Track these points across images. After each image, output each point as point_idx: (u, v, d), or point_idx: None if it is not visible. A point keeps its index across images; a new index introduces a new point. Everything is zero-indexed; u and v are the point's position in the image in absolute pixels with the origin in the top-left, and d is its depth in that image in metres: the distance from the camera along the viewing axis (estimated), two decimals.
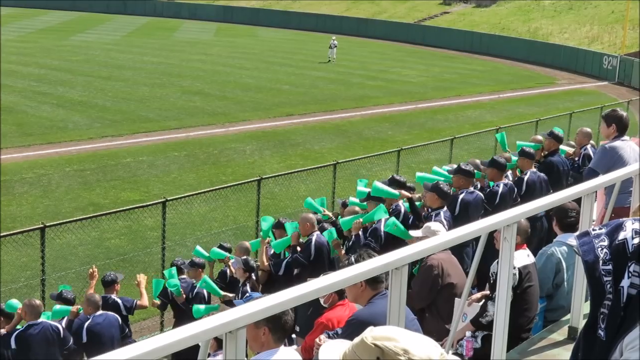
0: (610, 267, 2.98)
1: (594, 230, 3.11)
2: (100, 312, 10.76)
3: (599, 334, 3.01)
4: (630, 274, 2.95)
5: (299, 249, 10.91)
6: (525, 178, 11.68)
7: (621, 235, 3.01)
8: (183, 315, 11.70)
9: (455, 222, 9.67)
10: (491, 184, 11.57)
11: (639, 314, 2.91)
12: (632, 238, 2.99)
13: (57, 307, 11.07)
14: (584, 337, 3.10)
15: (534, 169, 11.98)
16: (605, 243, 3.03)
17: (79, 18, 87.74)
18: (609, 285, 2.98)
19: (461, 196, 10.69)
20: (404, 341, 2.51)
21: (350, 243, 10.52)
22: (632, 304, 2.93)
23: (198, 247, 13.05)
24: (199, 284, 11.74)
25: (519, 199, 10.97)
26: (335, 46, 58.20)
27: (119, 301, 11.60)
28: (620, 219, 3.15)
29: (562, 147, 13.18)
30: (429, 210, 10.30)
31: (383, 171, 22.50)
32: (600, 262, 3.00)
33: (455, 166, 12.00)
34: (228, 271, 12.19)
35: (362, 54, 64.17)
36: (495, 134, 14.84)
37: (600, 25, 67.19)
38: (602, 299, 3.00)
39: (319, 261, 10.53)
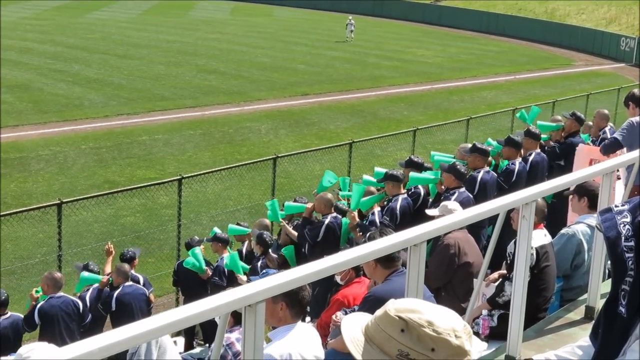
0: (632, 243, 2.95)
1: (616, 206, 3.09)
2: (129, 282, 10.93)
3: (620, 310, 2.98)
4: None
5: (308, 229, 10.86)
6: (530, 159, 11.63)
7: None
8: (193, 295, 11.77)
9: (474, 201, 9.64)
10: (505, 162, 11.56)
11: None
12: None
13: (86, 274, 11.21)
14: (604, 313, 3.08)
15: (538, 150, 11.93)
16: (628, 219, 3.00)
17: None
18: (630, 262, 2.94)
19: (480, 175, 10.67)
20: (427, 313, 2.50)
21: (364, 225, 10.51)
22: None
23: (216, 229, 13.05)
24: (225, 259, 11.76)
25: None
26: (353, 25, 57.97)
27: (140, 277, 11.75)
28: None
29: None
30: (446, 189, 10.28)
31: (398, 151, 22.50)
32: (623, 238, 2.97)
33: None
34: (244, 249, 12.23)
35: (377, 34, 63.93)
36: (517, 114, 14.71)
37: (618, 6, 66.63)
38: (623, 276, 2.96)
39: (326, 244, 10.42)
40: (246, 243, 12.35)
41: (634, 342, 2.91)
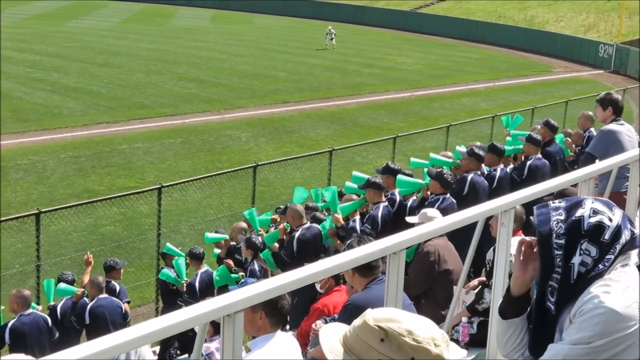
0: (562, 241, 3.03)
1: (553, 202, 3.14)
2: (104, 295, 10.81)
3: (548, 306, 3.07)
4: (582, 252, 3.00)
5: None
6: (529, 163, 11.68)
7: (579, 212, 3.05)
8: (173, 304, 11.72)
9: (464, 202, 9.60)
10: (488, 169, 11.60)
11: (583, 287, 2.97)
12: (589, 217, 3.03)
13: (63, 286, 11.13)
14: (534, 309, 3.14)
15: (539, 155, 11.97)
16: (562, 217, 3.07)
17: (74, 4, 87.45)
18: (558, 259, 3.02)
19: (469, 177, 10.69)
20: (407, 322, 2.50)
21: (344, 232, 10.50)
22: (580, 281, 2.98)
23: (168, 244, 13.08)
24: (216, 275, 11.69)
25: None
26: (333, 34, 58.00)
27: (117, 286, 11.65)
28: (582, 197, 3.20)
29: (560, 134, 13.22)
30: (430, 194, 10.32)
31: (379, 159, 22.50)
32: (554, 235, 3.04)
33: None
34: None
35: (358, 41, 64.06)
36: (501, 118, 14.81)
37: (596, 13, 67.10)
38: (550, 272, 3.04)
39: (304, 257, 10.32)
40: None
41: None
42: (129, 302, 11.74)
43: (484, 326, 5.82)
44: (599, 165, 6.02)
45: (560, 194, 7.06)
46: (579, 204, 3.09)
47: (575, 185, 5.79)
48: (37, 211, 13.39)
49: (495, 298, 5.06)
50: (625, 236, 3.04)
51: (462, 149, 11.99)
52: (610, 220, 3.03)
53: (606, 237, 3.00)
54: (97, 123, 30.28)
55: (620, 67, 52.48)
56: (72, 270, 14.21)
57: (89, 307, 10.65)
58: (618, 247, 3.01)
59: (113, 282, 11.64)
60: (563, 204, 3.11)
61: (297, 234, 10.53)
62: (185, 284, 11.94)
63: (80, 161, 24.79)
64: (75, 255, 15.97)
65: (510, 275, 4.90)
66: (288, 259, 10.38)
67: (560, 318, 3.05)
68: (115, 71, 43.20)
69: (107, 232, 18.51)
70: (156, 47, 54.45)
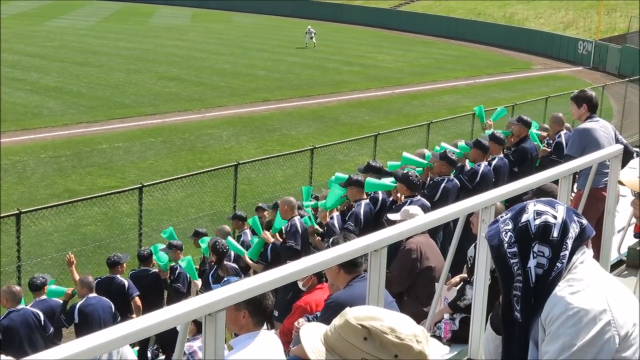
0: (515, 249, 3.10)
1: (502, 216, 3.22)
2: (93, 294, 10.78)
3: (516, 315, 3.11)
4: (535, 254, 3.06)
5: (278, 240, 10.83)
6: (493, 163, 11.75)
7: (524, 218, 3.12)
8: (149, 303, 11.72)
9: (433, 208, 9.67)
10: (471, 164, 11.66)
11: (547, 290, 3.02)
12: (534, 219, 3.10)
13: (53, 287, 11.13)
14: (502, 321, 3.19)
15: (501, 155, 12.05)
16: (510, 227, 3.15)
17: (53, 3, 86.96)
18: (516, 267, 3.09)
19: (443, 184, 10.76)
20: (388, 320, 2.52)
21: (325, 229, 10.54)
22: (540, 282, 3.04)
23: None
24: (180, 263, 11.73)
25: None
26: (313, 33, 57.90)
27: (125, 281, 11.64)
28: (523, 202, 3.25)
29: (533, 131, 13.26)
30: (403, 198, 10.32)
31: (360, 156, 22.53)
32: (505, 245, 3.11)
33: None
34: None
35: (338, 39, 64.07)
36: (474, 108, 14.90)
37: (575, 10, 67.43)
38: (511, 282, 3.10)
39: (305, 245, 10.51)
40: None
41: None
42: (139, 296, 11.72)
43: (466, 323, 5.84)
44: (578, 162, 6.05)
45: (540, 190, 7.12)
46: (522, 210, 3.16)
47: (555, 182, 5.82)
48: (17, 211, 13.33)
49: (476, 294, 5.08)
50: (574, 229, 3.10)
51: (447, 146, 12.05)
52: (555, 217, 3.10)
53: (554, 234, 3.07)
54: (77, 123, 30.14)
55: (600, 64, 52.75)
56: (53, 270, 14.18)
57: (78, 305, 10.64)
58: (569, 242, 3.07)
59: (119, 277, 11.64)
60: (509, 215, 3.19)
61: (298, 223, 10.65)
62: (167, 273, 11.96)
63: (61, 161, 24.68)
64: (57, 256, 15.90)
65: (491, 272, 4.93)
66: (300, 247, 10.45)
67: (530, 326, 3.09)
68: (95, 70, 43.02)
69: (88, 232, 18.44)
70: (136, 46, 54.25)
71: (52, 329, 10.51)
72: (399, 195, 10.37)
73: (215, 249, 11.04)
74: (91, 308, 10.64)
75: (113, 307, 11.02)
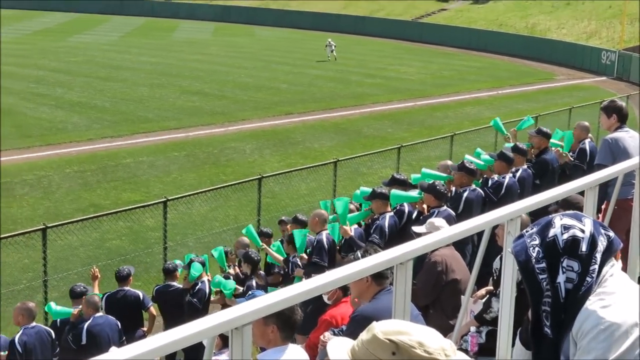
0: (544, 264, 3.07)
1: (527, 231, 3.19)
2: (100, 313, 10.76)
3: (546, 331, 3.09)
4: (564, 269, 3.03)
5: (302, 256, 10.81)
6: (517, 175, 11.70)
7: (551, 233, 3.10)
8: (174, 319, 11.72)
9: (458, 219, 9.65)
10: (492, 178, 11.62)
11: (578, 304, 3.00)
12: (562, 234, 3.07)
13: (58, 308, 11.09)
14: (532, 336, 3.17)
15: (525, 166, 11.99)
16: (537, 242, 3.12)
17: (76, 19, 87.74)
18: (545, 283, 3.06)
19: (465, 194, 10.72)
20: (416, 334, 2.51)
21: (344, 242, 10.52)
22: (570, 297, 3.01)
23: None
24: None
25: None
26: (333, 46, 57.91)
27: (139, 293, 11.70)
28: (549, 216, 3.22)
29: (554, 141, 13.20)
30: (429, 209, 10.31)
31: (383, 169, 22.53)
32: (533, 260, 3.09)
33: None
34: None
35: (360, 51, 64.13)
36: (491, 122, 14.87)
37: (598, 20, 67.14)
38: (541, 297, 3.07)
39: (332, 259, 10.46)
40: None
41: None
42: (152, 306, 11.78)
43: (493, 335, 5.80)
44: (604, 172, 6.01)
45: (566, 202, 7.07)
46: (549, 224, 3.13)
47: (581, 193, 5.78)
48: (43, 226, 13.42)
49: (503, 307, 5.05)
50: (602, 242, 3.07)
51: (484, 154, 12.04)
52: (583, 231, 3.07)
53: (583, 249, 3.04)
54: (102, 137, 30.32)
55: (623, 74, 52.45)
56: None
57: (86, 325, 10.53)
58: (598, 255, 3.04)
59: (130, 289, 11.66)
60: (535, 229, 3.17)
61: (324, 239, 10.61)
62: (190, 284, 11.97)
63: (86, 176, 24.83)
64: (82, 270, 15.97)
65: (518, 284, 4.90)
66: (325, 263, 10.39)
67: (561, 341, 3.06)
68: (119, 85, 43.29)
69: (113, 246, 18.52)
70: (159, 60, 54.56)
71: (58, 349, 10.52)
72: (424, 206, 10.36)
73: (249, 258, 11.07)
74: (99, 328, 10.57)
75: (120, 325, 10.98)
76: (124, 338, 11.08)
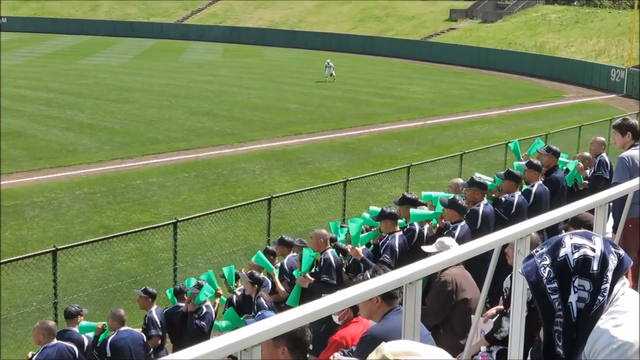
0: (555, 284, 3.05)
1: (536, 251, 3.17)
2: (124, 327, 10.82)
3: (558, 351, 3.07)
4: (576, 289, 3.01)
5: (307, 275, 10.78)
6: (533, 190, 11.68)
7: (562, 252, 3.07)
8: (180, 339, 11.70)
9: (478, 234, 9.62)
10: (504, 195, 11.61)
11: (590, 324, 2.99)
12: (572, 253, 3.05)
13: (83, 323, 11.15)
14: (544, 356, 3.15)
15: (540, 182, 11.98)
16: (548, 262, 3.09)
17: (86, 42, 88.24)
18: (557, 303, 3.04)
19: (481, 209, 10.70)
20: (425, 355, 2.50)
21: (352, 262, 10.50)
22: (582, 317, 3.00)
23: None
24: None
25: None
26: (332, 68, 57.82)
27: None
28: (559, 235, 3.20)
29: (562, 160, 13.23)
30: (447, 225, 10.31)
31: (393, 188, 22.53)
32: (545, 280, 3.06)
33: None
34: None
35: (369, 71, 64.29)
36: (509, 144, 14.88)
37: (607, 38, 67.16)
38: (553, 317, 3.05)
39: (340, 279, 10.46)
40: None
41: None
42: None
43: (503, 355, 5.79)
44: (614, 190, 5.99)
45: (575, 220, 7.05)
46: (559, 244, 3.11)
47: (591, 211, 5.77)
48: (53, 248, 13.44)
49: (513, 326, 5.03)
50: (613, 261, 3.06)
51: (500, 173, 12.07)
52: (593, 250, 3.05)
53: (594, 267, 3.02)
54: (112, 159, 30.42)
55: (633, 91, 52.42)
56: (89, 306, 14.26)
57: (110, 339, 10.66)
58: (609, 274, 3.03)
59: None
60: (545, 249, 3.14)
61: (331, 257, 10.61)
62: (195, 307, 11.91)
63: (96, 197, 24.88)
64: (93, 292, 15.99)
65: (528, 304, 4.88)
66: (335, 281, 10.38)
67: None
68: (129, 107, 43.45)
69: (123, 268, 18.53)
70: (168, 82, 54.78)
71: None
72: (443, 221, 10.36)
73: (255, 278, 11.05)
74: (122, 342, 10.66)
75: (145, 338, 11.05)
76: (151, 351, 11.11)
